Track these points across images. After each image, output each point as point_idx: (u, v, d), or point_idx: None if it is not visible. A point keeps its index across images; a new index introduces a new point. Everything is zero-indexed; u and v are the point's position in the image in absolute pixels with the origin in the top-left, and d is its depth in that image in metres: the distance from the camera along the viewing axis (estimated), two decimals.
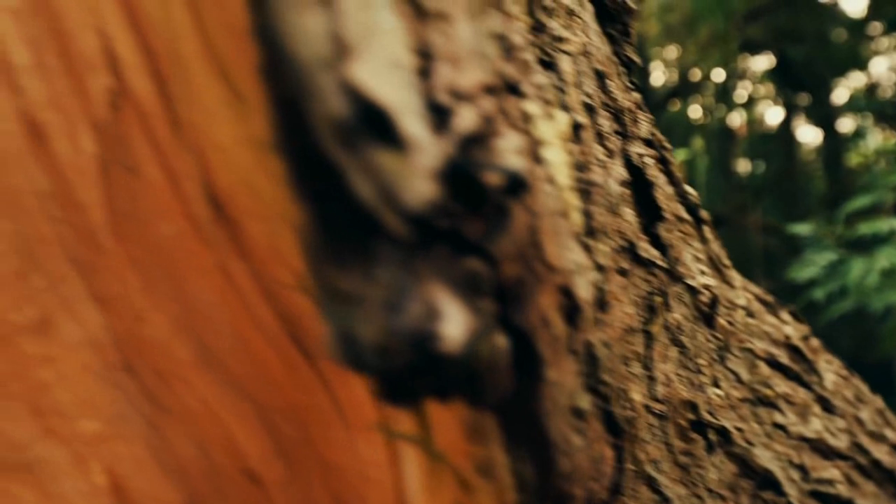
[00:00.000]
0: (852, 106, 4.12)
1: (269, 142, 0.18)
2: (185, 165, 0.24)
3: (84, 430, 0.24)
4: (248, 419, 0.26)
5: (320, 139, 0.16)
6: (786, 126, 4.58)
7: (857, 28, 4.03)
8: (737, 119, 4.47)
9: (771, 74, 4.46)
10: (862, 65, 4.11)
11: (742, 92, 4.39)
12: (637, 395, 0.34)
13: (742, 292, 0.52)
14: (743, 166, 4.51)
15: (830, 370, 0.61)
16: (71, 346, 0.24)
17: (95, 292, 0.24)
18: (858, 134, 4.14)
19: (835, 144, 4.45)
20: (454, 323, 0.18)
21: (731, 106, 4.37)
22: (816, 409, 0.55)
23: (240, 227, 0.25)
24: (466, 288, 0.19)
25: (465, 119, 0.19)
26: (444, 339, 0.18)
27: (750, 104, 4.56)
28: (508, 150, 0.20)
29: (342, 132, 0.16)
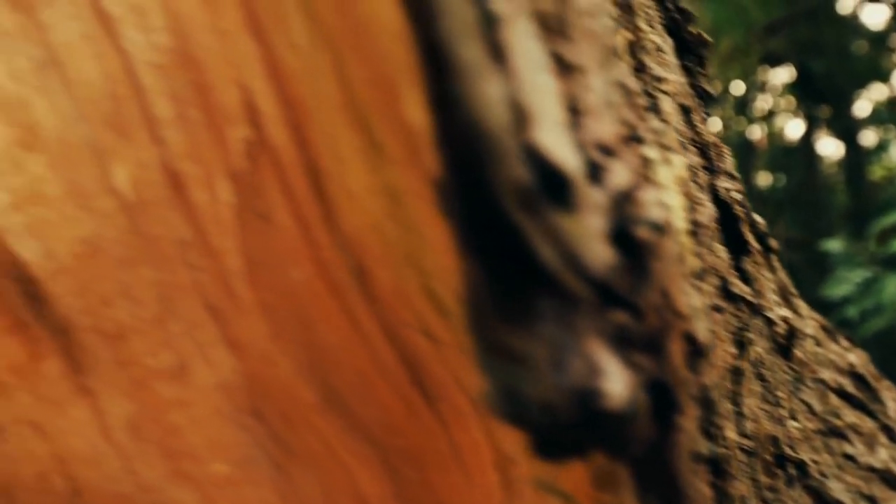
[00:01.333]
0: (874, 118, 4.09)
1: (435, 199, 0.19)
2: (316, 212, 0.24)
3: (214, 472, 0.25)
4: (370, 462, 0.26)
5: (502, 203, 0.16)
6: (807, 139, 4.55)
7: (878, 40, 4.01)
8: (757, 132, 4.46)
9: (792, 87, 4.44)
10: (884, 77, 4.08)
11: (762, 105, 4.38)
12: (730, 432, 0.34)
13: (810, 321, 0.51)
14: (763, 179, 4.49)
15: (891, 397, 0.61)
16: (204, 390, 0.25)
17: (228, 337, 0.25)
18: (881, 147, 4.10)
19: (857, 157, 4.42)
20: (615, 379, 0.18)
21: (752, 119, 4.35)
22: (882, 438, 0.55)
23: (367, 272, 0.25)
24: (619, 342, 0.20)
25: (618, 175, 0.19)
26: (607, 396, 0.18)
27: (770, 117, 4.54)
28: (652, 202, 0.21)
29: (525, 197, 0.16)
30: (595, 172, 0.20)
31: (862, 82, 4.20)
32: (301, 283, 0.25)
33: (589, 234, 0.17)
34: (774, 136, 4.71)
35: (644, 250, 0.20)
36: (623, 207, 0.19)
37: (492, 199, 0.16)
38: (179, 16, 0.23)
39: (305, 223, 0.25)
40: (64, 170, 0.23)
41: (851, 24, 4.15)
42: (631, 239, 0.20)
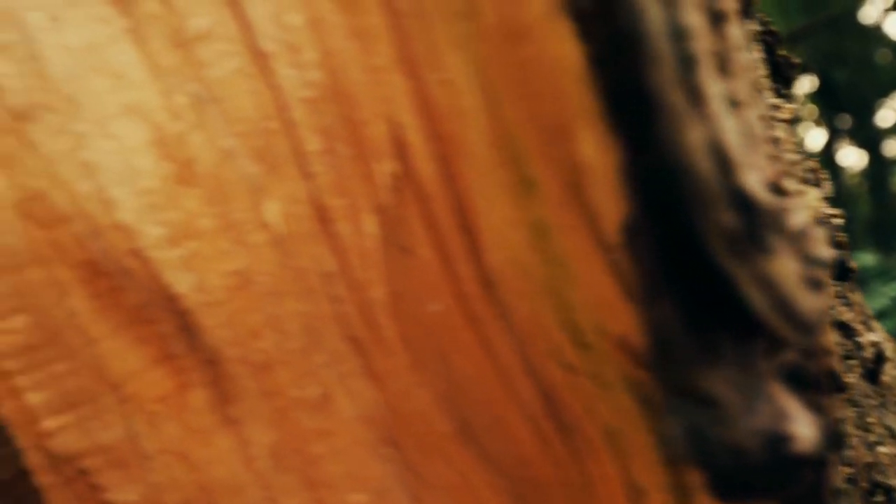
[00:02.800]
0: None
1: (616, 241, 0.19)
2: (459, 245, 0.25)
3: (353, 502, 0.25)
4: (502, 493, 0.26)
5: (709, 247, 0.16)
6: (829, 149, 4.52)
7: None
8: None
9: (813, 97, 4.42)
10: None
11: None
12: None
13: (888, 344, 0.51)
14: None
15: None
16: (345, 421, 0.25)
17: (369, 368, 0.25)
18: None
19: (880, 167, 4.38)
20: (803, 423, 0.18)
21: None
22: None
23: (506, 305, 0.25)
24: (795, 383, 0.19)
25: (797, 214, 0.19)
26: (797, 440, 0.18)
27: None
28: (821, 240, 0.21)
29: (733, 241, 0.16)
30: (780, 213, 0.20)
31: (885, 92, 4.17)
32: (440, 315, 0.25)
33: (793, 277, 0.17)
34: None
35: (824, 289, 0.20)
36: (802, 247, 0.19)
37: (696, 242, 0.16)
38: (332, 52, 0.23)
39: (447, 256, 0.25)
40: (218, 204, 0.23)
41: (874, 34, 4.12)
42: (815, 279, 0.20)
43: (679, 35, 0.17)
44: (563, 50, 0.19)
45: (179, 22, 0.22)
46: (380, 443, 0.25)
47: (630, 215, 0.18)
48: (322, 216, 0.24)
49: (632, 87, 0.16)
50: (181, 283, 0.23)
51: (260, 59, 0.23)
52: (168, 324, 0.24)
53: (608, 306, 0.23)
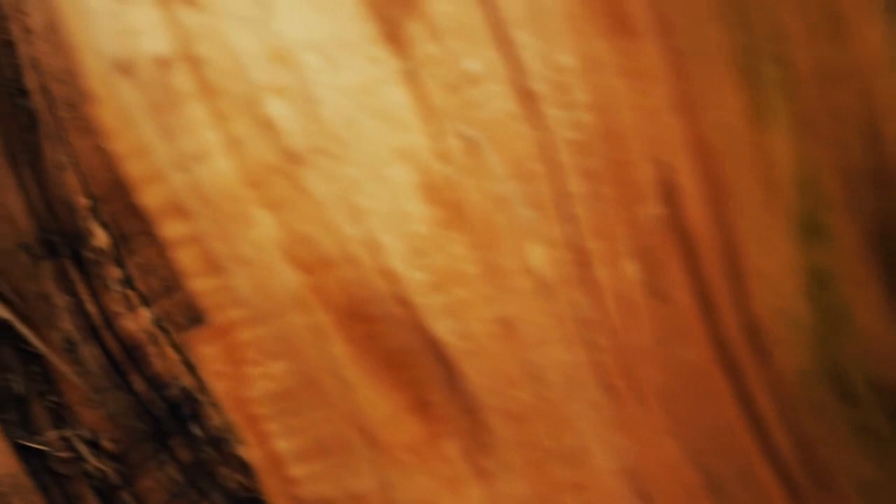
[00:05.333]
0: None
1: None
2: (724, 292, 0.24)
3: None
4: None
5: None
6: None
7: None
8: None
9: None
10: None
11: None
12: None
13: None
14: None
15: None
16: (599, 473, 0.24)
17: (624, 419, 0.24)
18: None
19: None
20: None
21: None
22: None
23: (768, 353, 0.24)
24: None
25: None
26: None
27: None
28: None
29: None
30: None
31: None
32: (694, 362, 0.24)
33: None
34: None
35: None
36: None
37: None
38: (604, 93, 0.22)
39: (709, 302, 0.24)
40: (484, 249, 0.23)
41: None
42: None
43: None
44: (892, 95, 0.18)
45: (454, 64, 0.22)
46: (633, 496, 0.24)
47: None
48: (581, 260, 0.23)
49: None
50: (444, 329, 0.23)
51: (528, 100, 0.22)
52: (426, 370, 0.23)
53: (888, 359, 0.22)
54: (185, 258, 0.23)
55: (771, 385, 0.24)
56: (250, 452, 0.24)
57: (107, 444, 0.42)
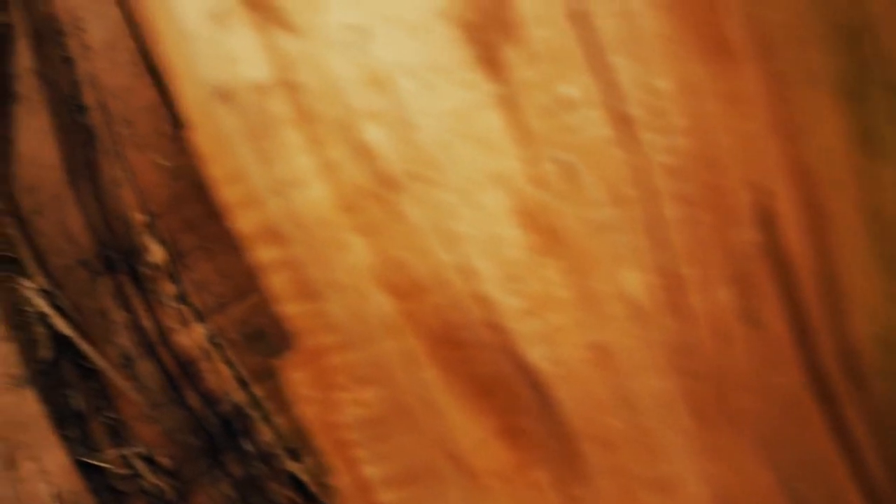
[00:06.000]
0: None
1: None
2: (820, 319, 0.23)
3: None
4: None
5: None
6: None
7: None
8: None
9: None
10: None
11: None
12: None
13: None
14: None
15: None
16: (691, 501, 0.23)
17: (716, 448, 0.24)
18: None
19: None
20: None
21: None
22: None
23: (865, 381, 0.24)
24: None
25: None
26: None
27: None
28: None
29: None
30: None
31: None
32: (788, 389, 0.24)
33: None
34: None
35: None
36: None
37: None
38: (701, 118, 0.22)
39: (804, 329, 0.23)
40: (578, 275, 0.22)
41: None
42: None
43: None
44: None
45: (550, 89, 0.22)
46: None
47: None
48: (676, 286, 0.23)
49: None
50: (537, 354, 0.22)
51: (624, 124, 0.22)
52: (518, 396, 0.23)
53: None
54: (277, 283, 0.23)
55: (866, 413, 0.23)
56: (338, 478, 0.24)
57: (163, 460, 0.42)
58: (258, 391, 0.45)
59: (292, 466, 0.48)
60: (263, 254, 0.23)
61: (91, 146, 0.42)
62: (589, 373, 0.23)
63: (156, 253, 0.42)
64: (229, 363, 0.45)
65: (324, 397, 0.23)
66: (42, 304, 0.37)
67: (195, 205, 0.42)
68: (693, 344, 0.24)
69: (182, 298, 0.43)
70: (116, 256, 0.41)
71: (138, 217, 0.42)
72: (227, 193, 0.22)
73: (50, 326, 0.37)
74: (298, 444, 0.47)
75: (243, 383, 0.46)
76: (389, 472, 0.23)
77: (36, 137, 0.39)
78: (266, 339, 0.46)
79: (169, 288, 0.43)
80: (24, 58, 0.39)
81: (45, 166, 0.39)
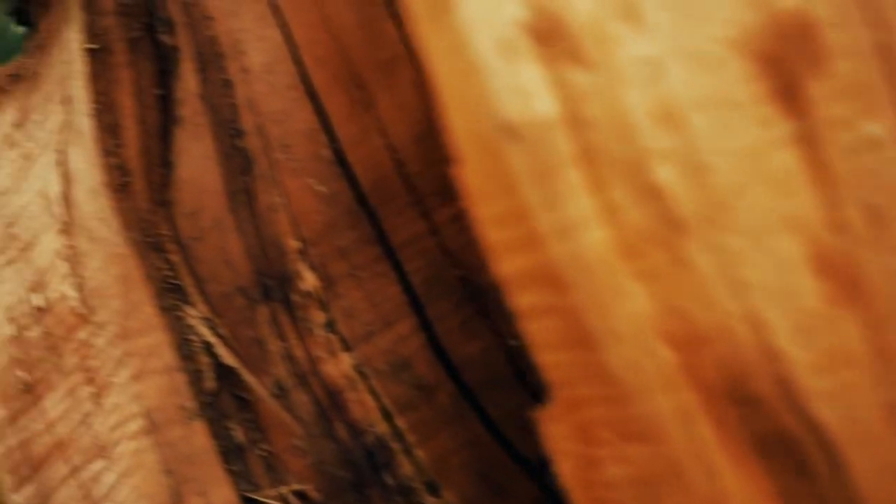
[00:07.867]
0: None
1: None
2: None
3: None
4: None
5: None
6: None
7: None
8: None
9: None
10: None
11: None
12: None
13: None
14: None
15: None
16: None
17: None
18: None
19: None
20: None
21: None
22: None
23: None
24: None
25: None
26: None
27: None
28: None
29: None
30: None
31: None
32: None
33: None
34: None
35: None
36: None
37: None
38: None
39: None
40: (877, 329, 0.21)
41: None
42: None
43: None
44: None
45: (854, 127, 0.20)
46: None
47: None
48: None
49: None
50: (828, 413, 0.21)
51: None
52: (801, 458, 0.21)
53: None
54: (540, 329, 0.21)
55: None
56: None
57: (314, 494, 0.41)
58: (401, 423, 0.44)
59: (430, 501, 0.46)
60: (527, 299, 0.21)
61: (248, 171, 0.41)
62: (884, 434, 0.21)
63: (308, 280, 0.41)
64: (374, 393, 0.44)
65: (584, 452, 0.22)
66: (207, 334, 0.36)
67: (348, 231, 0.42)
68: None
69: (331, 326, 0.43)
70: (272, 284, 0.40)
71: (292, 243, 0.41)
72: (496, 235, 0.21)
73: (214, 356, 0.37)
74: (438, 478, 0.45)
75: (387, 414, 0.45)
76: None
77: (198, 162, 0.39)
78: (411, 369, 0.44)
79: (319, 316, 0.42)
80: (189, 82, 0.39)
81: (207, 191, 0.38)
